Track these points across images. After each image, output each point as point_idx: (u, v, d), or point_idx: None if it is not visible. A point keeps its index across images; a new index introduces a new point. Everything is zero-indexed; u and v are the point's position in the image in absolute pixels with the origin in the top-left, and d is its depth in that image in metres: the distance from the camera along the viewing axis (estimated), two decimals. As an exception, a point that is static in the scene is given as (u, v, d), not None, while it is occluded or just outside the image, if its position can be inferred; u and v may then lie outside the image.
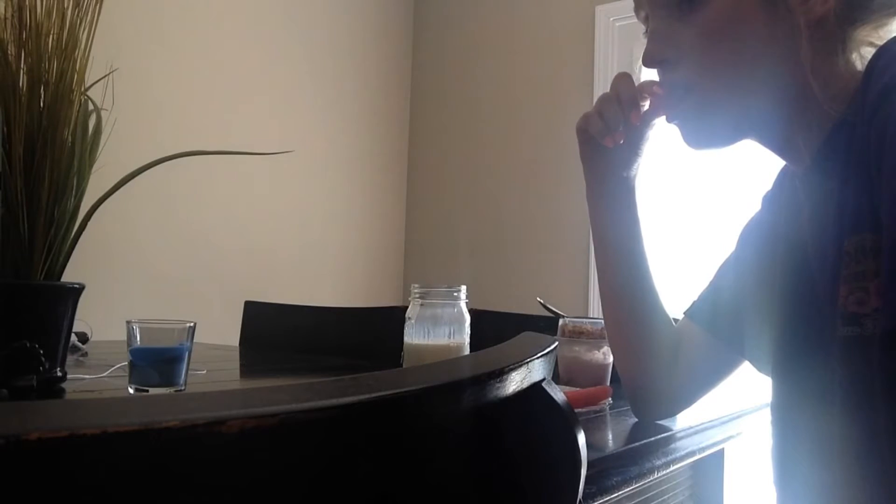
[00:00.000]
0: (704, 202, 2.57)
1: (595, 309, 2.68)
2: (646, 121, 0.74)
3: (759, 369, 0.75)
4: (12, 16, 0.79)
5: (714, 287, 0.80)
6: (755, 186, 0.80)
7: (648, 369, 0.80)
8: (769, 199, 0.76)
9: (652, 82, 0.70)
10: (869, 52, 0.59)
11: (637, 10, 0.70)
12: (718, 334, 0.77)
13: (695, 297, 0.82)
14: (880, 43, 0.58)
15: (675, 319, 0.84)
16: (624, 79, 0.74)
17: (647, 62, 0.66)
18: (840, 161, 0.57)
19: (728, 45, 0.61)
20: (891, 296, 0.48)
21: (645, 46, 0.66)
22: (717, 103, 0.63)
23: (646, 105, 0.72)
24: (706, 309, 0.80)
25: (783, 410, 0.67)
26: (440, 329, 0.87)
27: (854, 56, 0.59)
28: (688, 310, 0.82)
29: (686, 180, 2.65)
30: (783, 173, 0.74)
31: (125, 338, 0.78)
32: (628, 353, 0.81)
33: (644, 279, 0.80)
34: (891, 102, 0.50)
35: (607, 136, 0.74)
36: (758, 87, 0.61)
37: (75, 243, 0.86)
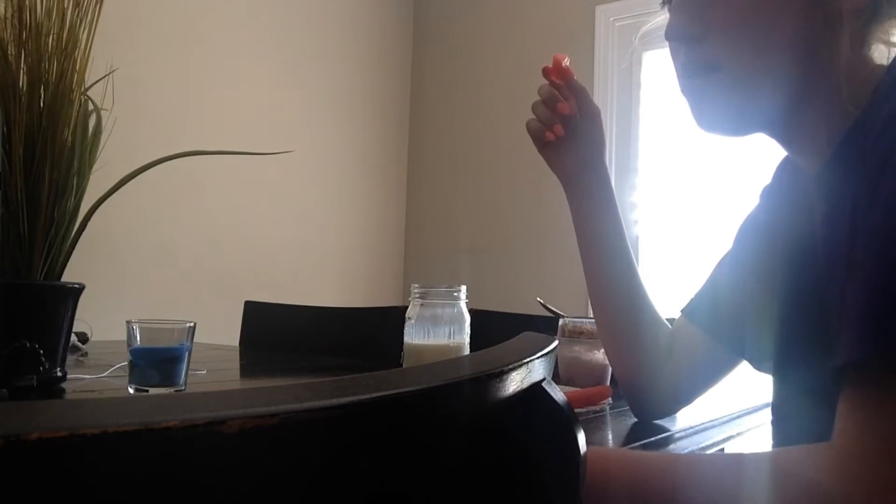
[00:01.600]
0: (702, 198, 2.57)
1: (595, 309, 2.67)
2: (584, 110, 0.81)
3: (758, 368, 0.74)
4: (12, 16, 0.79)
5: (711, 285, 0.80)
6: (753, 181, 0.80)
7: (642, 367, 0.80)
8: (767, 193, 0.75)
9: (560, 57, 0.80)
10: (883, 49, 0.58)
11: None
12: (717, 333, 0.77)
13: (692, 296, 0.82)
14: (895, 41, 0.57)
15: (670, 319, 0.84)
16: (544, 79, 0.81)
17: (672, 36, 0.63)
18: (854, 164, 0.55)
19: (764, 25, 0.58)
20: (862, 327, 0.46)
21: (669, 19, 0.63)
22: (741, 87, 0.60)
23: (572, 100, 0.81)
24: (704, 307, 0.79)
25: (784, 410, 0.67)
26: (440, 329, 0.87)
27: (873, 52, 0.58)
28: (685, 308, 0.82)
29: (684, 177, 2.65)
30: (782, 167, 0.73)
31: (125, 338, 0.78)
32: (621, 352, 0.82)
33: (629, 272, 0.81)
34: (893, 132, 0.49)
35: (546, 131, 0.81)
36: (785, 75, 0.59)
37: (75, 243, 0.86)
